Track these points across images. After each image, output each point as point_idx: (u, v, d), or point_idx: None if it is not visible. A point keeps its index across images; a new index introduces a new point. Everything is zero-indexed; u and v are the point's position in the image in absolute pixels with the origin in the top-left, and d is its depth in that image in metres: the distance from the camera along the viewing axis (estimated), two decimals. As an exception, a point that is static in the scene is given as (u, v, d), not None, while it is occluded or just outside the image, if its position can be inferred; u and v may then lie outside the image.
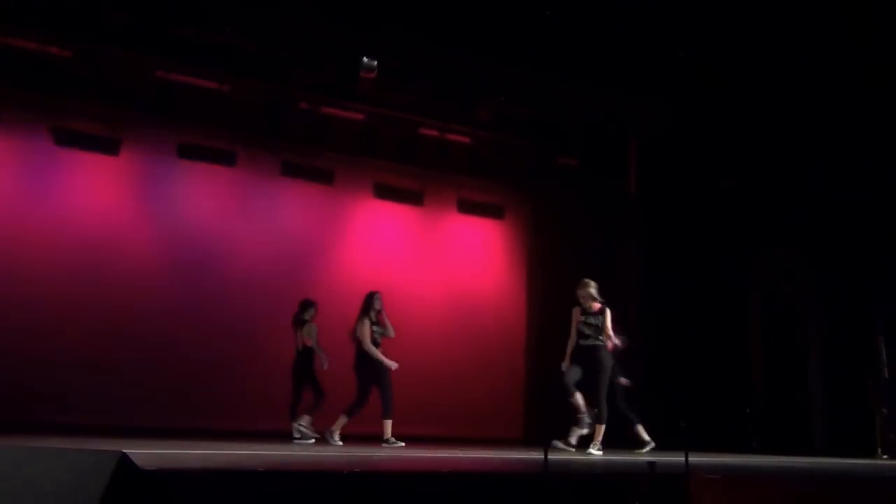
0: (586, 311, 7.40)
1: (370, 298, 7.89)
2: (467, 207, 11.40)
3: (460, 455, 6.09)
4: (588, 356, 7.34)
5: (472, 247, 11.53)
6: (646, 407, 10.32)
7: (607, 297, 11.15)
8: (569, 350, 7.41)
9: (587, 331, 7.40)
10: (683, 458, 3.88)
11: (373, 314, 7.92)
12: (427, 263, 10.52)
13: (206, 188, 10.03)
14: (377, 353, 7.78)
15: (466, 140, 10.84)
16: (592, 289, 7.40)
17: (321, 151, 10.34)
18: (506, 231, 11.84)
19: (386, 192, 10.87)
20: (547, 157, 11.39)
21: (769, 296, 11.00)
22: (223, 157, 9.86)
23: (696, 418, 8.88)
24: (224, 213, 10.11)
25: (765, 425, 10.45)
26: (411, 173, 10.90)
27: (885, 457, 9.25)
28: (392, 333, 7.92)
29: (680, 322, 10.39)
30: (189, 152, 9.70)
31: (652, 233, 10.91)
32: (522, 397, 11.19)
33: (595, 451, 7.11)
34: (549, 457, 3.58)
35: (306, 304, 8.53)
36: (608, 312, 7.34)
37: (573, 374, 7.31)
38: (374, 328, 7.88)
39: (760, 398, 10.70)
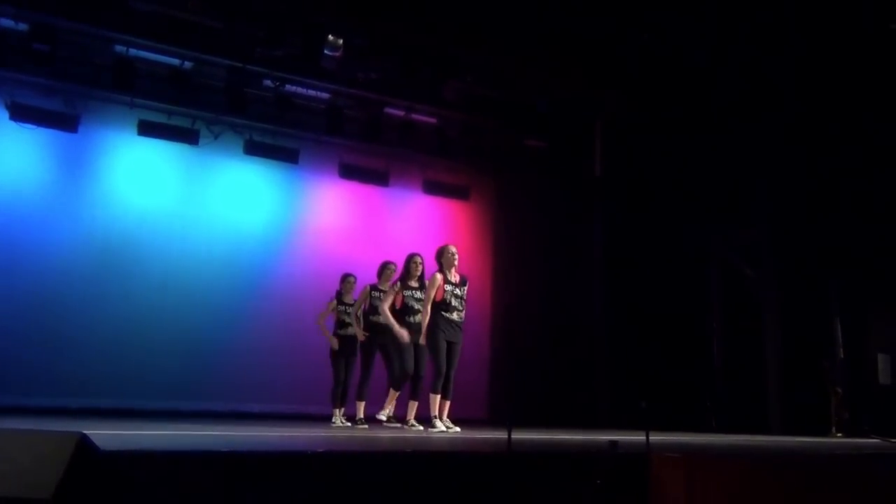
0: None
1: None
2: (433, 188, 11.42)
3: (424, 435, 6.07)
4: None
5: (438, 228, 11.50)
6: (607, 386, 10.53)
7: (573, 278, 11.51)
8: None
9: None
10: (644, 438, 3.92)
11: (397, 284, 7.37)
12: (392, 244, 10.36)
13: (167, 167, 9.93)
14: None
15: (433, 120, 10.79)
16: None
17: (285, 130, 10.28)
18: (471, 212, 11.86)
19: (351, 172, 10.84)
20: (513, 139, 11.44)
21: (728, 277, 11.15)
22: (185, 135, 9.76)
23: (656, 398, 8.99)
24: (185, 191, 10.02)
25: (723, 405, 10.64)
26: (377, 153, 10.87)
27: (839, 435, 9.47)
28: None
29: (641, 302, 10.48)
30: (150, 130, 9.57)
31: (616, 215, 11.00)
32: (487, 377, 11.26)
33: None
34: (513, 437, 3.60)
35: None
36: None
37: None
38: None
39: (719, 378, 10.88)
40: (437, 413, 6.69)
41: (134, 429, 5.34)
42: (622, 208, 10.91)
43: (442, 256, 6.92)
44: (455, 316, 6.82)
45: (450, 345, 6.78)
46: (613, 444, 3.65)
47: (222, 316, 9.74)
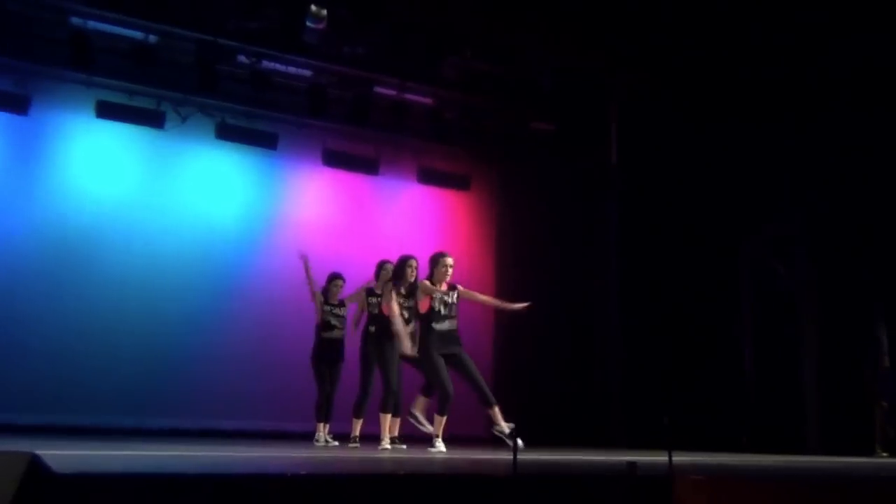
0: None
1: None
2: (429, 177, 11.51)
3: (421, 456, 6.12)
4: None
5: (434, 221, 11.60)
6: (624, 399, 10.51)
7: (585, 278, 11.56)
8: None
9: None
10: (667, 458, 3.91)
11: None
12: (383, 240, 10.57)
13: (129, 153, 9.96)
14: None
15: (428, 101, 10.86)
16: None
17: (262, 112, 10.33)
18: (472, 204, 11.96)
19: (337, 160, 10.90)
20: (518, 122, 11.47)
21: (761, 277, 11.14)
22: (149, 118, 9.78)
23: (679, 413, 9.02)
24: (150, 181, 10.05)
25: (755, 421, 10.63)
26: (365, 138, 10.93)
27: (884, 454, 9.42)
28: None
29: (662, 306, 10.51)
30: (109, 112, 9.59)
31: (633, 207, 11.02)
32: (488, 380, 11.19)
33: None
34: (519, 457, 3.60)
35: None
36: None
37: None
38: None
39: (750, 391, 10.87)
40: (438, 433, 6.80)
41: (92, 448, 5.34)
42: (641, 200, 10.93)
43: (435, 266, 6.95)
44: (447, 325, 6.86)
45: (448, 357, 6.80)
46: (632, 465, 3.65)
47: (191, 321, 9.77)
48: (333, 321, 7.89)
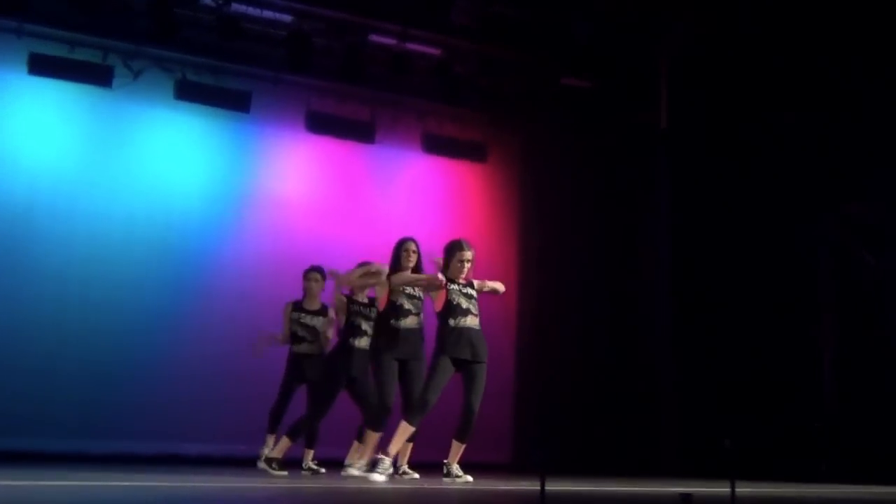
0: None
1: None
2: (436, 146, 11.48)
3: (437, 487, 6.18)
4: None
5: (443, 200, 11.58)
6: (678, 418, 10.57)
7: (628, 270, 11.57)
8: None
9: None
10: (728, 489, 3.91)
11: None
12: (380, 223, 10.58)
13: (70, 117, 9.98)
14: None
15: (435, 52, 10.82)
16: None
17: (232, 67, 10.33)
18: (489, 179, 11.92)
19: (324, 125, 10.89)
20: (547, 78, 11.39)
21: (843, 267, 11.09)
22: (93, 74, 9.79)
23: (744, 435, 8.99)
24: (94, 151, 10.05)
25: (837, 444, 10.59)
26: (359, 98, 10.95)
27: None
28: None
29: (722, 303, 10.52)
30: (45, 67, 9.57)
31: (686, 182, 11.04)
32: (511, 409, 11.32)
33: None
34: (549, 487, 3.60)
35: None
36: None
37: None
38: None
39: (832, 407, 10.83)
40: (451, 458, 6.89)
41: (29, 478, 5.36)
42: (696, 173, 10.94)
43: (451, 256, 7.08)
44: (469, 321, 6.92)
45: (464, 365, 6.86)
46: (686, 498, 3.65)
47: (146, 323, 9.76)
48: (301, 332, 7.87)
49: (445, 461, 6.89)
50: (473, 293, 7.04)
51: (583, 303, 11.43)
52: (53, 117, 9.87)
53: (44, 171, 9.74)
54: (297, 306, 7.98)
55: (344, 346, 7.53)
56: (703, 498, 3.92)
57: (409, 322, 7.06)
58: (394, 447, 6.76)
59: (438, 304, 6.98)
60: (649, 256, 11.29)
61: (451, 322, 6.87)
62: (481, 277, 7.26)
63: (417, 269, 7.23)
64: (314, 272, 8.04)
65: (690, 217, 10.95)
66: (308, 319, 7.91)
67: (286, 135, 10.88)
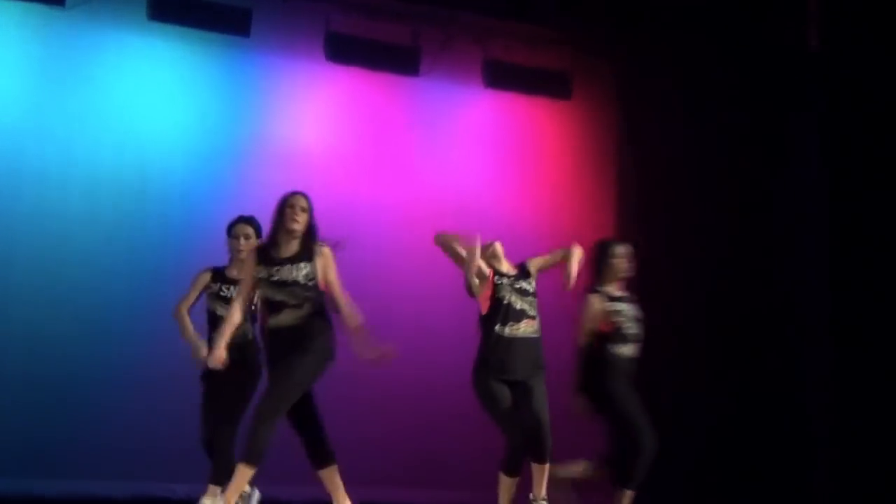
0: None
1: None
2: (503, 78, 11.36)
3: None
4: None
5: (511, 151, 11.62)
6: (838, 443, 10.62)
7: (766, 241, 11.46)
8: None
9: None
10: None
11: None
12: (425, 182, 10.85)
13: (13, 46, 10.03)
14: None
15: (502, -51, 10.84)
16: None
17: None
18: (574, 120, 11.87)
19: (349, 52, 10.79)
20: (652, -17, 11.41)
21: None
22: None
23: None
24: (44, 90, 10.09)
25: None
26: (397, 14, 10.89)
27: None
28: None
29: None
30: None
31: (844, 125, 10.97)
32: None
33: None
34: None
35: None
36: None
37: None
38: None
39: None
40: (536, 494, 7.13)
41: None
42: (859, 111, 10.89)
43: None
44: (522, 329, 7.13)
45: (517, 386, 7.07)
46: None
47: (113, 322, 9.72)
48: (220, 309, 7.55)
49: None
50: (529, 286, 7.26)
51: (702, 285, 11.27)
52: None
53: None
54: (218, 275, 7.71)
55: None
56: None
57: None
58: None
59: (484, 305, 7.20)
60: (795, 218, 11.28)
61: (499, 329, 7.08)
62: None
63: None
64: (245, 225, 7.78)
65: (853, 167, 10.89)
66: (226, 291, 7.61)
67: (299, 66, 10.87)
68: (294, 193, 6.97)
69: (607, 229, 11.52)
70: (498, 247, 7.37)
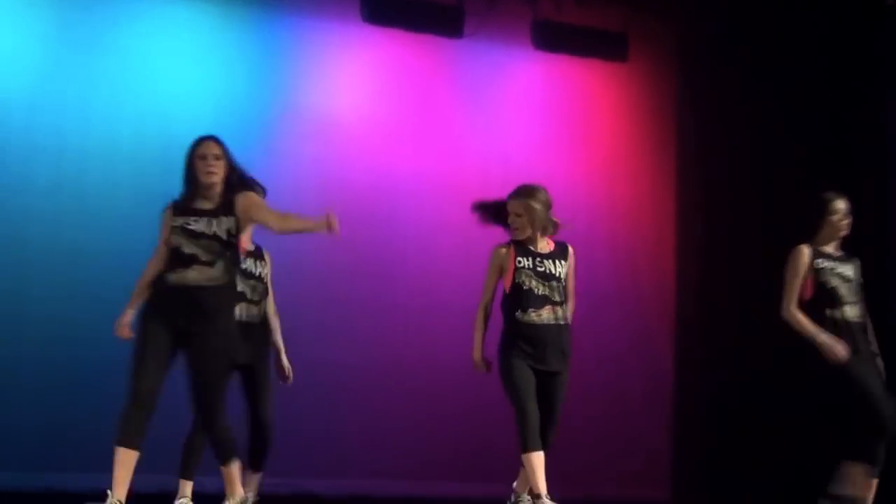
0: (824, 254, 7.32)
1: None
2: (553, 39, 11.22)
3: None
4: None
5: (562, 117, 11.48)
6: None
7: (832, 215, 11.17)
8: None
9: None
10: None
11: None
12: (469, 150, 10.76)
13: (23, 6, 9.84)
14: None
15: None
16: None
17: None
18: (631, 85, 11.76)
19: (388, 11, 10.70)
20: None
21: None
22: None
23: None
24: (63, 49, 9.89)
25: None
26: None
27: None
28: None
29: None
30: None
31: None
32: (669, 426, 11.35)
33: None
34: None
35: None
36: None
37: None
38: None
39: None
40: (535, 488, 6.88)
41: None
42: None
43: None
44: (544, 315, 6.96)
45: (541, 375, 6.98)
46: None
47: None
48: (242, 286, 7.26)
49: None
50: (555, 269, 7.07)
51: (775, 270, 10.67)
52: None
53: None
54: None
55: None
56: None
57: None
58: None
59: (507, 285, 7.07)
60: (877, 189, 10.99)
61: (518, 316, 6.94)
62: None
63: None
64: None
65: None
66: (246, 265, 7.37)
67: (334, 28, 10.75)
68: (202, 141, 6.46)
69: (666, 198, 11.70)
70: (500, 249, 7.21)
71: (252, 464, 7.37)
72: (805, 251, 7.25)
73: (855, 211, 8.38)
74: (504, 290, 7.09)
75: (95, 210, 9.75)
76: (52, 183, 9.71)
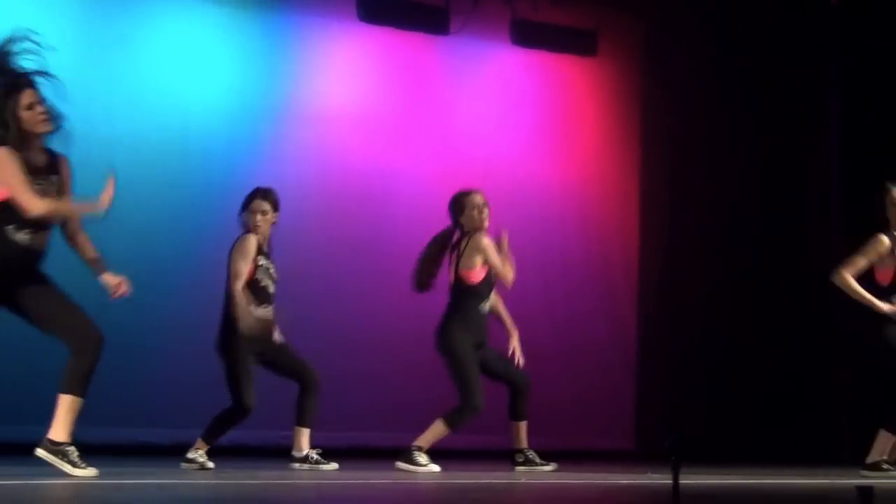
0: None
1: None
2: (530, 35, 11.40)
3: (547, 480, 6.49)
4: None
5: (538, 108, 11.62)
6: (858, 392, 10.65)
7: (789, 197, 11.40)
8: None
9: None
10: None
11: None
12: (455, 140, 10.81)
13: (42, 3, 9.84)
14: None
15: None
16: None
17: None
18: (601, 78, 11.90)
19: (381, 11, 10.83)
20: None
21: None
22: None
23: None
24: (81, 44, 9.80)
25: None
26: None
27: None
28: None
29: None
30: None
31: (863, 83, 11.04)
32: (632, 382, 11.48)
33: None
34: (682, 482, 3.74)
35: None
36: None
37: None
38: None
39: None
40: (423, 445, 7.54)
41: (26, 475, 5.51)
42: (878, 68, 10.88)
43: (462, 210, 7.72)
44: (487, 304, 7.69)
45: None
46: (865, 493, 3.67)
47: (157, 282, 9.22)
48: (265, 280, 7.61)
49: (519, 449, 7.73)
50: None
51: (729, 242, 11.39)
52: (15, 5, 9.48)
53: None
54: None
55: None
56: (886, 492, 3.93)
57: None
58: None
59: (475, 276, 7.69)
60: (819, 175, 11.42)
61: (482, 307, 7.71)
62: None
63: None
64: (262, 201, 7.68)
65: (873, 123, 10.89)
66: (267, 263, 7.66)
67: (333, 26, 10.82)
68: (26, 90, 5.85)
69: (632, 175, 11.81)
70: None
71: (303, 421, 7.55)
72: (885, 240, 7.32)
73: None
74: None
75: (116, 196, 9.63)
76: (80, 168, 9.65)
